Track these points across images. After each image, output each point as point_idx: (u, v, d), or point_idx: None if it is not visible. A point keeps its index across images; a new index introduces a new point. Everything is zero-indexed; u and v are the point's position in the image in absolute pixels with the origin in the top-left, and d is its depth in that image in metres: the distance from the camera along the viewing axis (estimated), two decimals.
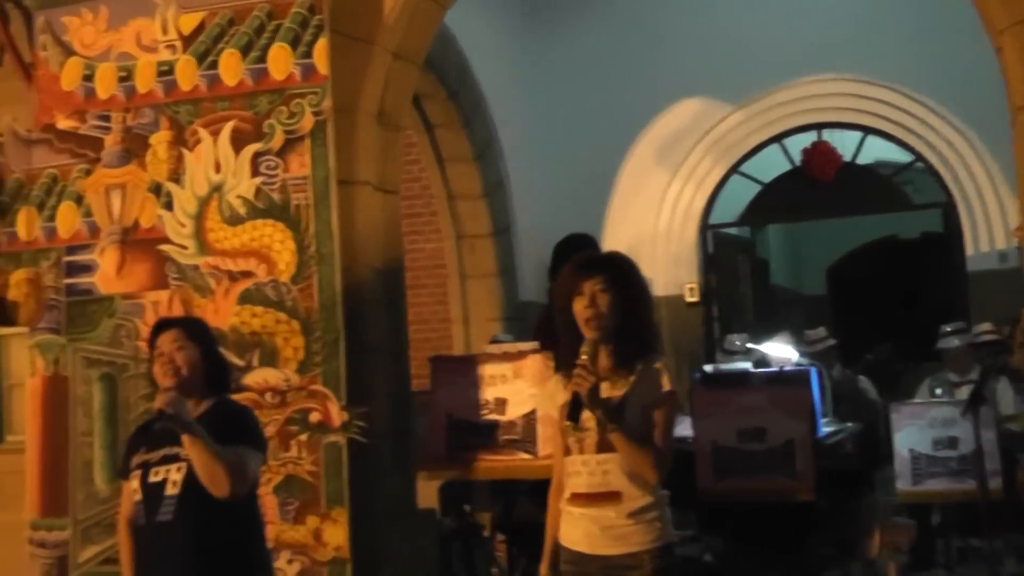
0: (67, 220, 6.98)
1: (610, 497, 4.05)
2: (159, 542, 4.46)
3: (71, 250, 6.97)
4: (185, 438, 4.32)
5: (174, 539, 4.42)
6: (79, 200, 6.97)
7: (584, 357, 4.02)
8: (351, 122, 6.72)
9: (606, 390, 4.06)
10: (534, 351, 6.31)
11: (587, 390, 3.98)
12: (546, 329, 6.47)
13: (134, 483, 4.54)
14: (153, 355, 4.63)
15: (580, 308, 4.11)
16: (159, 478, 4.47)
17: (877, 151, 12.47)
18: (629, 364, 4.10)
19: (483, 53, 11.19)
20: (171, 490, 4.44)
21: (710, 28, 12.08)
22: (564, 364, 4.22)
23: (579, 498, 4.11)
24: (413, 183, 11.39)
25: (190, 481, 4.39)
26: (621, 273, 4.20)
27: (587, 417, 4.06)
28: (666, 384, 4.09)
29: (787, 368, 7.78)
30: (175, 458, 4.45)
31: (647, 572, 4.01)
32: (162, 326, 4.73)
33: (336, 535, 6.20)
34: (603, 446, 4.06)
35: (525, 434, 6.23)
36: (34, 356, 6.98)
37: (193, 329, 4.73)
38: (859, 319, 13.92)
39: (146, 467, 4.52)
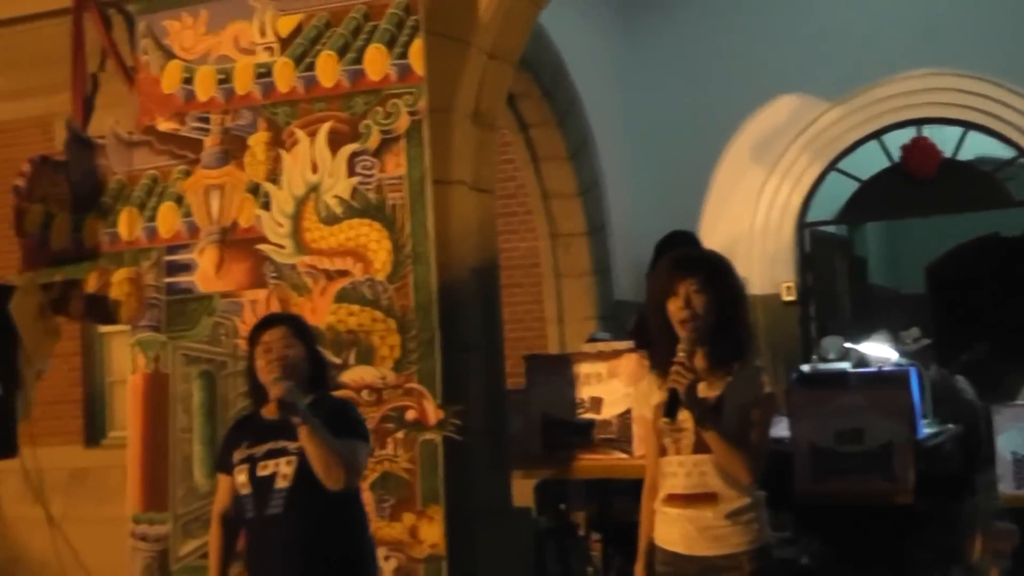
0: (167, 220, 7.07)
1: (707, 498, 4.04)
2: (269, 535, 4.55)
3: (171, 250, 7.06)
4: (302, 429, 4.39)
5: (284, 532, 4.51)
6: (179, 201, 7.06)
7: (682, 355, 4.01)
8: (446, 122, 6.73)
9: (702, 391, 4.05)
10: (629, 350, 6.30)
11: (685, 387, 3.96)
12: (643, 328, 6.48)
13: (241, 477, 4.61)
14: (255, 351, 4.69)
15: (675, 309, 4.09)
16: (268, 472, 4.55)
17: (978, 147, 12.28)
18: (725, 365, 4.08)
19: (578, 51, 11.18)
20: (281, 483, 4.52)
21: (808, 22, 11.98)
22: (658, 363, 4.21)
23: (676, 499, 4.10)
24: (508, 182, 11.39)
25: (300, 474, 4.47)
26: (717, 274, 4.17)
27: (684, 417, 4.04)
28: (766, 385, 4.06)
29: (886, 368, 7.69)
30: (283, 452, 4.53)
31: (745, 574, 3.99)
32: (269, 323, 4.81)
33: (432, 533, 6.23)
34: (700, 447, 4.05)
35: (620, 433, 6.23)
36: (135, 354, 7.08)
37: (299, 327, 4.82)
38: (959, 318, 13.71)
39: (252, 461, 4.59)
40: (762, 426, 4.07)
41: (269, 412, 4.65)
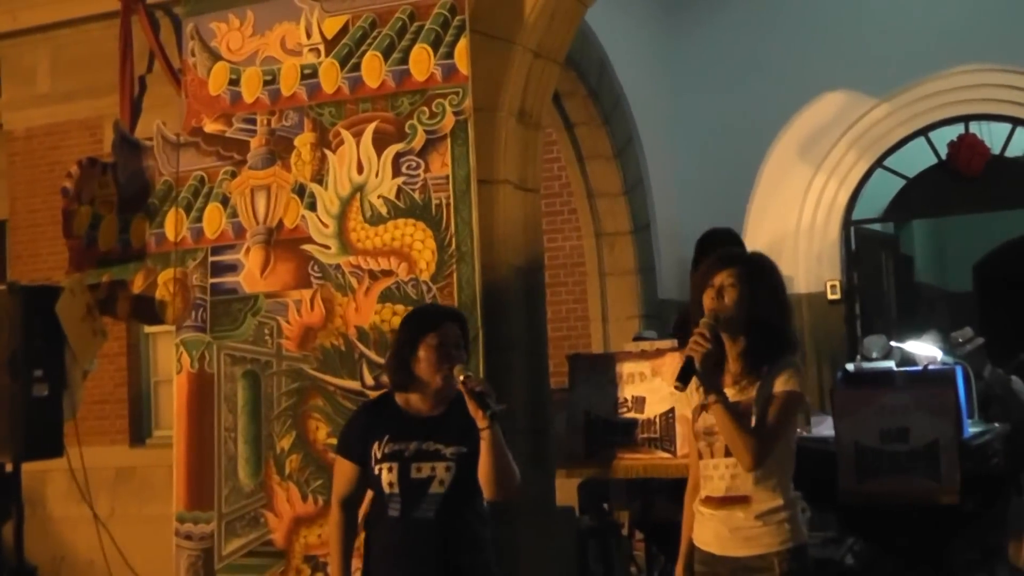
0: (213, 221, 7.12)
1: (740, 500, 4.03)
2: (416, 538, 4.44)
3: (217, 250, 7.10)
4: (489, 433, 4.27)
5: (434, 536, 4.42)
6: (225, 201, 7.10)
7: (704, 327, 4.00)
8: (492, 121, 6.74)
9: (734, 395, 4.03)
10: (673, 349, 6.29)
11: (700, 355, 3.95)
12: (684, 327, 6.47)
13: (389, 476, 4.47)
14: (421, 339, 4.53)
15: (708, 300, 4.09)
16: (423, 475, 4.43)
17: None
18: (757, 368, 4.06)
19: (623, 50, 11.17)
20: (436, 488, 4.42)
21: (854, 19, 11.93)
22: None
23: (711, 501, 4.10)
24: (553, 181, 11.40)
25: (458, 481, 4.39)
26: (754, 270, 4.15)
27: (713, 423, 4.03)
28: (792, 382, 4.02)
29: (932, 367, 7.65)
30: (437, 455, 4.43)
31: (776, 575, 3.98)
32: (446, 316, 4.69)
33: None
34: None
35: (664, 433, 6.21)
36: (180, 353, 7.13)
37: (466, 330, 4.69)
38: (1006, 317, 13.60)
39: (402, 460, 4.47)
40: (775, 416, 3.99)
41: (413, 404, 4.55)
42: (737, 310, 4.05)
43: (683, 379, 4.03)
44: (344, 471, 4.66)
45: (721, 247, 5.28)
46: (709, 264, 4.21)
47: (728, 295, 4.07)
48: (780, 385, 4.01)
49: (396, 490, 4.46)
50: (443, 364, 4.46)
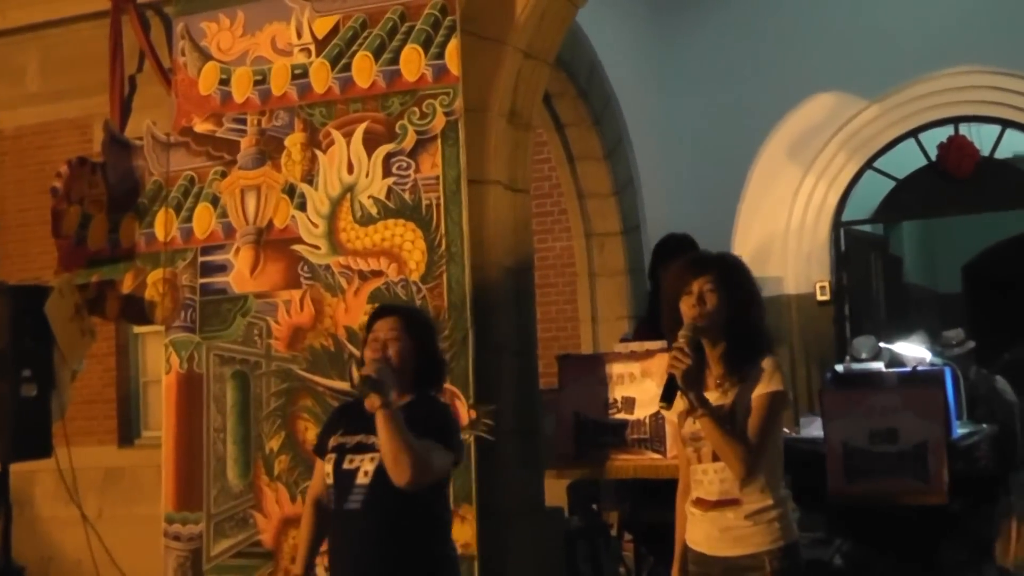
0: (203, 221, 7.12)
1: (730, 503, 4.04)
2: (347, 530, 4.49)
3: (206, 250, 7.10)
4: (379, 414, 4.26)
5: (361, 528, 4.44)
6: (215, 201, 7.10)
7: (682, 340, 4.01)
8: (482, 122, 6.74)
9: (715, 398, 4.04)
10: (662, 350, 6.29)
11: (681, 372, 3.95)
12: (647, 329, 6.49)
13: (328, 466, 4.54)
14: (367, 337, 4.60)
15: (687, 307, 4.09)
16: (353, 466, 4.47)
17: (1016, 145, 12.22)
18: (739, 369, 4.07)
19: (613, 51, 11.17)
20: (362, 479, 4.44)
21: (844, 21, 11.94)
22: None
23: (702, 503, 4.12)
24: (543, 182, 11.40)
25: (382, 472, 4.37)
26: (731, 273, 4.16)
27: (699, 428, 4.04)
28: (774, 381, 4.03)
29: (921, 368, 7.66)
30: (371, 448, 4.43)
31: (767, 574, 3.99)
32: (384, 311, 4.73)
33: (464, 532, 6.22)
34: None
35: (653, 433, 6.21)
36: (169, 354, 7.12)
37: (412, 320, 4.69)
38: (996, 318, 13.63)
39: (341, 452, 4.52)
40: (760, 421, 4.00)
41: (371, 404, 4.48)
42: (717, 315, 4.06)
43: (667, 398, 4.05)
44: (316, 468, 4.75)
45: (678, 253, 5.28)
46: (683, 270, 4.21)
47: (709, 300, 4.08)
48: (763, 386, 4.02)
49: (331, 481, 4.52)
50: (370, 360, 4.48)
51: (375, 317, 4.68)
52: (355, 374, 4.53)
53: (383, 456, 4.31)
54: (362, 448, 4.48)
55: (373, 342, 4.55)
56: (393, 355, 4.51)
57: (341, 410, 4.89)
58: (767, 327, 4.26)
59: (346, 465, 4.49)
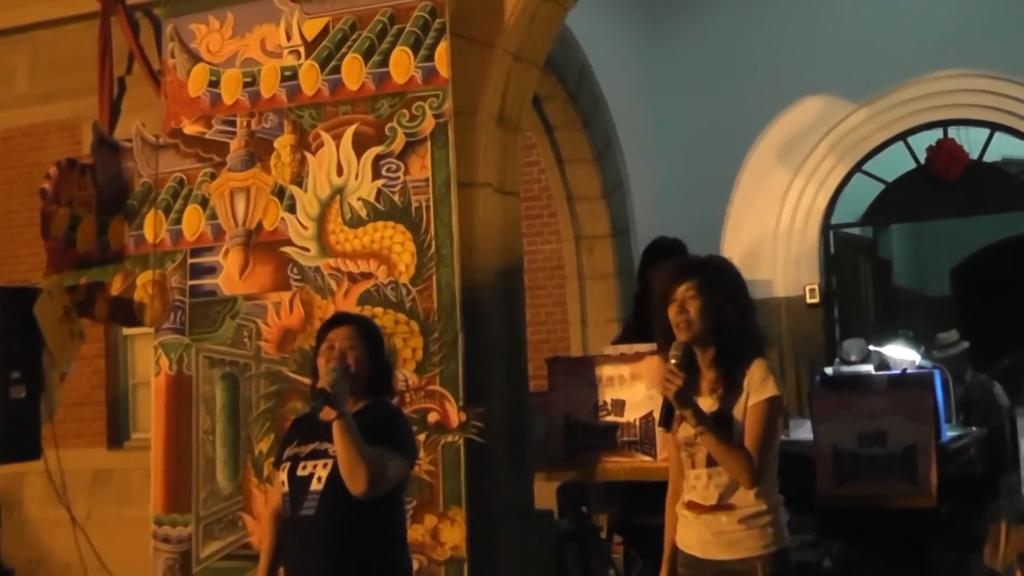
0: (192, 223, 7.10)
1: (723, 508, 4.05)
2: (301, 536, 4.51)
3: (196, 252, 7.08)
4: (335, 424, 4.34)
5: (315, 534, 4.47)
6: (204, 203, 7.09)
7: (673, 361, 4.00)
8: (471, 124, 6.74)
9: (710, 404, 4.04)
10: (652, 353, 6.29)
11: (674, 392, 3.95)
12: (632, 333, 6.49)
13: (282, 475, 4.58)
14: (320, 347, 4.65)
15: (673, 315, 4.10)
16: (306, 472, 4.51)
17: (1005, 148, 12.25)
18: (731, 373, 4.06)
19: (602, 53, 11.18)
20: (316, 486, 4.48)
21: (833, 25, 11.96)
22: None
23: (695, 506, 4.12)
24: (532, 184, 11.39)
25: (335, 478, 4.42)
26: (713, 277, 4.15)
27: (693, 433, 4.04)
28: (769, 387, 4.03)
29: (910, 371, 7.67)
30: (324, 454, 4.48)
31: None
32: (336, 322, 4.77)
33: (453, 535, 6.23)
34: (714, 459, 4.05)
35: (643, 436, 6.21)
36: (158, 356, 7.10)
37: (365, 329, 4.76)
38: (985, 321, 13.66)
39: (295, 460, 4.56)
40: (759, 430, 4.01)
41: (326, 413, 4.58)
42: (702, 322, 4.06)
43: (666, 422, 4.06)
44: (275, 481, 4.76)
45: (665, 256, 5.27)
46: (668, 277, 4.21)
47: (691, 308, 4.07)
48: (759, 392, 4.01)
49: (287, 488, 4.55)
50: (326, 370, 4.54)
51: (330, 326, 4.73)
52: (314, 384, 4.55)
53: (340, 466, 4.37)
54: (316, 455, 4.53)
55: (328, 351, 4.60)
56: (352, 363, 4.57)
57: (296, 422, 4.90)
58: (758, 329, 4.25)
59: (300, 472, 4.53)
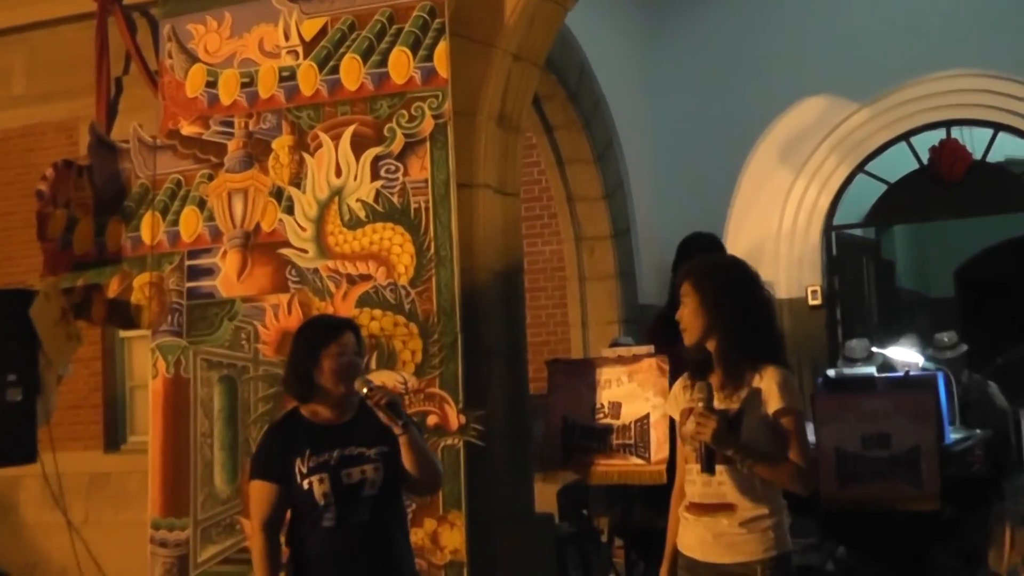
0: (190, 224, 7.08)
1: (724, 508, 4.02)
2: (354, 543, 4.49)
3: (193, 254, 7.07)
4: (409, 432, 4.43)
5: (372, 539, 4.49)
6: (202, 205, 7.06)
7: (700, 404, 3.96)
8: (471, 125, 6.72)
9: (720, 402, 4.00)
10: (649, 355, 6.26)
11: (711, 436, 3.91)
12: (660, 331, 6.44)
13: (321, 487, 4.45)
14: (321, 352, 4.57)
15: (678, 316, 4.11)
16: (354, 479, 4.48)
17: (1008, 148, 12.19)
18: (739, 375, 4.02)
19: (603, 53, 11.14)
20: (370, 490, 4.49)
21: (835, 24, 11.91)
22: (687, 367, 4.19)
23: (694, 507, 4.09)
24: (532, 185, 11.36)
25: (386, 481, 4.49)
26: (703, 279, 4.11)
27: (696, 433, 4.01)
28: (784, 394, 3.99)
29: (913, 372, 7.63)
30: (362, 458, 4.50)
31: None
32: (342, 327, 4.73)
33: (453, 538, 6.20)
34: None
35: (639, 439, 6.18)
36: (156, 358, 7.08)
37: (359, 336, 4.78)
38: (988, 322, 13.61)
39: (330, 468, 4.47)
40: (799, 435, 4.02)
41: (321, 415, 4.58)
42: (696, 323, 4.05)
43: (709, 467, 4.00)
44: (265, 494, 4.56)
45: (699, 252, 5.25)
46: (678, 278, 4.23)
47: (684, 309, 4.08)
48: (779, 400, 3.97)
49: (331, 499, 4.47)
50: (345, 373, 4.55)
51: (339, 331, 4.68)
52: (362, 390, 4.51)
53: (417, 472, 4.48)
54: (352, 461, 4.50)
55: (341, 356, 4.57)
56: (359, 364, 4.67)
57: (281, 431, 4.70)
58: (770, 330, 4.19)
59: (346, 480, 4.48)
